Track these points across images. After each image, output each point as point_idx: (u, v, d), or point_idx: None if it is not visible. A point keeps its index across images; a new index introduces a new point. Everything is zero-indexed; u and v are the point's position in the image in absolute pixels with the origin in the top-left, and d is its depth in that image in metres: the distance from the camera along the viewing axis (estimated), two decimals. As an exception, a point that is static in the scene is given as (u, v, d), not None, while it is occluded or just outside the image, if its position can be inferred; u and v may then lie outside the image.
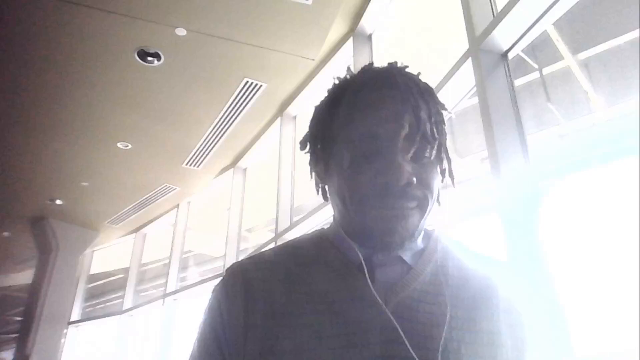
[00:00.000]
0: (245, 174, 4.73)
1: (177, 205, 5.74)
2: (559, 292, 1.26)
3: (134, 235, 6.68)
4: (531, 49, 2.54)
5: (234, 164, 4.71)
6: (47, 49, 3.13)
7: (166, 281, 5.34)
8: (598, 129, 2.33)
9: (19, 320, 6.89)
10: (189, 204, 5.72)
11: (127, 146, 4.35)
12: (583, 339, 1.36)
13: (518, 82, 2.20)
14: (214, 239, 5.75)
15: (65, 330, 6.57)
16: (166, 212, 5.97)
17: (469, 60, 1.79)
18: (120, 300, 6.50)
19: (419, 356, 0.60)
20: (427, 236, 0.76)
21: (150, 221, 6.30)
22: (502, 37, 1.68)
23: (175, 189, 5.27)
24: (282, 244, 0.79)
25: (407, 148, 0.66)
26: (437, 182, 0.70)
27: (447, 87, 1.96)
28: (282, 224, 3.62)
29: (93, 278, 7.84)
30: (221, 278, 0.74)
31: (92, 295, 8.11)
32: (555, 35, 2.45)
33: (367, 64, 0.77)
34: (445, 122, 0.74)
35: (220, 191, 5.17)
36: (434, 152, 0.69)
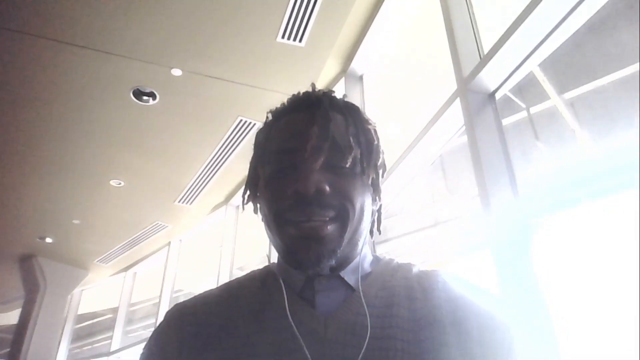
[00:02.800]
0: (237, 211, 4.71)
1: (169, 243, 5.68)
2: (553, 327, 1.25)
3: (123, 274, 6.57)
4: (518, 89, 2.61)
5: (226, 201, 4.70)
6: (42, 88, 3.16)
7: (156, 321, 5.22)
8: (586, 166, 2.37)
9: (2, 363, 6.67)
10: (181, 241, 5.67)
11: (120, 184, 4.34)
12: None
13: (506, 121, 2.25)
14: (205, 278, 5.66)
15: (50, 374, 6.35)
16: (157, 250, 5.90)
17: (458, 100, 1.83)
18: (109, 341, 6.31)
19: None
20: (376, 260, 0.75)
21: (141, 259, 6.21)
22: (489, 78, 1.72)
23: (167, 226, 5.23)
24: (230, 281, 0.78)
25: (316, 157, 0.65)
26: (359, 194, 0.67)
27: (436, 126, 1.99)
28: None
29: (81, 318, 7.65)
30: (158, 324, 0.73)
31: (79, 336, 7.89)
32: (541, 76, 2.53)
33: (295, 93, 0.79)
34: (374, 138, 0.74)
35: (213, 229, 5.14)
36: (349, 162, 0.66)
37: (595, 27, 2.09)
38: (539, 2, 1.42)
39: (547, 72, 2.50)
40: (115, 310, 6.49)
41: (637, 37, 2.10)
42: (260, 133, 0.77)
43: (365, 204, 0.69)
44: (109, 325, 6.54)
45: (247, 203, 0.76)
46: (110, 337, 6.23)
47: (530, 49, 1.57)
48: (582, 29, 1.46)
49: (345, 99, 0.78)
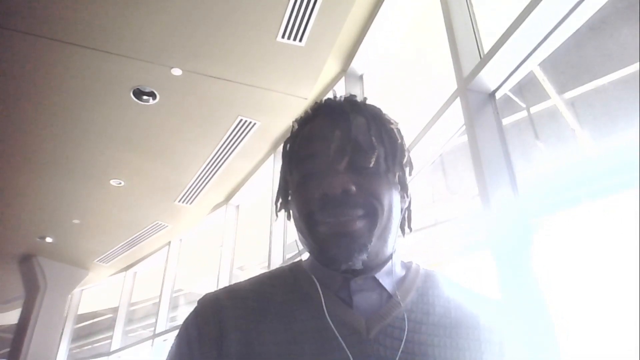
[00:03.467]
0: (238, 211, 4.71)
1: (169, 243, 5.68)
2: (554, 327, 1.25)
3: (123, 273, 6.57)
4: (518, 89, 2.61)
5: (226, 200, 4.70)
6: (43, 88, 3.17)
7: (156, 321, 5.22)
8: (586, 166, 2.37)
9: (2, 363, 6.67)
10: (181, 241, 5.67)
11: (120, 183, 4.34)
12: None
13: (506, 121, 2.25)
14: (205, 277, 5.66)
15: (50, 373, 6.35)
16: (157, 250, 5.90)
17: (458, 100, 1.83)
18: (109, 341, 6.32)
19: None
20: (406, 267, 0.77)
21: (141, 259, 6.21)
22: (489, 77, 1.72)
23: (167, 226, 5.23)
24: (258, 275, 0.78)
25: (340, 159, 0.67)
26: (386, 192, 0.69)
27: (436, 125, 1.99)
28: (275, 261, 3.59)
29: (81, 318, 7.65)
30: (193, 309, 0.73)
31: (80, 335, 7.90)
32: (541, 76, 2.53)
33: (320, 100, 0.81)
34: (398, 137, 0.75)
35: (213, 228, 5.14)
36: (374, 161, 0.68)
37: (595, 27, 2.09)
38: (539, 2, 1.42)
39: (547, 72, 2.50)
40: (115, 310, 6.49)
41: (637, 37, 2.10)
42: (286, 142, 0.79)
43: (393, 201, 0.70)
44: (109, 325, 6.55)
45: (280, 210, 0.79)
46: (110, 337, 6.23)
47: (530, 49, 1.56)
48: (582, 29, 1.46)
49: (367, 102, 0.79)
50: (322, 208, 0.66)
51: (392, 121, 0.77)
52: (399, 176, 0.72)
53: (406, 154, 0.76)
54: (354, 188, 0.66)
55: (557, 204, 1.72)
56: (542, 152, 2.63)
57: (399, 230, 0.76)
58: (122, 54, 2.87)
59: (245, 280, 0.77)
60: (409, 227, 0.78)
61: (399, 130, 0.77)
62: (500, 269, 1.41)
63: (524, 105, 2.70)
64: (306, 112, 0.79)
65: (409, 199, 0.77)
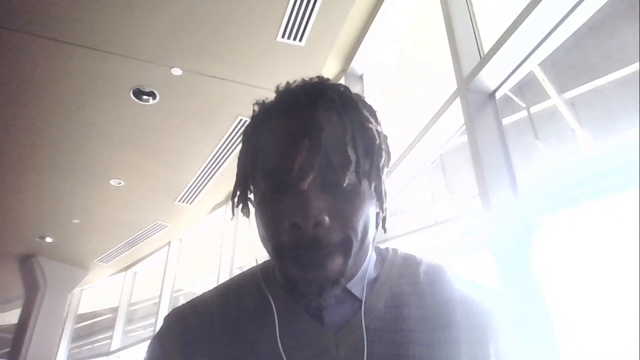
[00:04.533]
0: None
1: (169, 243, 5.68)
2: (554, 327, 1.25)
3: (123, 273, 6.57)
4: (518, 89, 2.61)
5: (226, 200, 4.70)
6: (43, 88, 3.16)
7: (156, 321, 5.22)
8: (586, 166, 2.38)
9: (2, 363, 6.67)
10: (181, 241, 5.67)
11: (120, 183, 4.34)
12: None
13: (506, 121, 2.25)
14: (205, 277, 5.66)
15: (50, 373, 6.35)
16: (157, 250, 5.90)
17: (458, 99, 1.83)
18: (109, 341, 6.32)
19: None
20: (381, 260, 0.71)
21: (141, 259, 6.21)
22: (489, 77, 1.72)
23: (167, 226, 5.23)
24: (225, 282, 0.74)
25: (306, 177, 0.57)
26: (361, 213, 0.60)
27: (436, 125, 1.99)
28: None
29: (81, 318, 7.65)
30: (158, 329, 0.70)
31: (80, 335, 7.90)
32: (541, 76, 2.53)
33: (286, 82, 0.70)
34: (376, 137, 0.64)
35: (213, 228, 5.13)
36: (348, 180, 0.59)
37: (595, 27, 2.09)
38: (539, 2, 1.42)
39: (547, 72, 2.50)
40: (115, 310, 6.49)
41: (637, 37, 2.10)
42: (248, 129, 0.69)
43: (369, 217, 0.62)
44: (109, 325, 6.55)
45: (237, 207, 0.70)
46: (110, 337, 6.23)
47: (530, 49, 1.56)
48: (582, 29, 1.46)
49: (342, 89, 0.68)
50: (292, 242, 0.58)
51: (370, 119, 0.65)
52: (374, 185, 0.63)
53: (384, 155, 0.66)
54: (327, 219, 0.57)
55: (557, 204, 1.72)
56: (542, 152, 2.63)
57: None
58: (122, 54, 2.87)
59: (213, 289, 0.73)
60: (384, 228, 0.69)
61: (377, 130, 0.65)
62: (500, 269, 1.41)
63: (524, 105, 2.70)
64: (271, 100, 0.69)
65: (385, 204, 0.67)
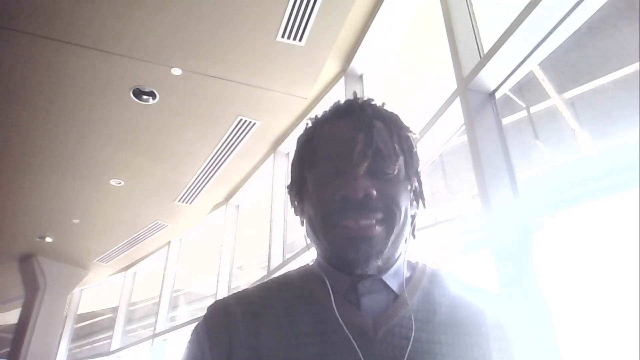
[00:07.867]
0: (237, 211, 4.71)
1: (169, 243, 5.68)
2: (554, 326, 1.25)
3: (123, 273, 6.58)
4: (518, 89, 2.61)
5: (226, 200, 4.70)
6: (43, 88, 3.17)
7: (155, 320, 5.22)
8: (586, 166, 2.38)
9: (2, 363, 6.66)
10: (181, 241, 5.67)
11: (120, 183, 4.34)
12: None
13: (506, 121, 2.25)
14: (205, 277, 5.66)
15: (50, 373, 6.35)
16: (157, 250, 5.91)
17: (458, 99, 1.83)
18: (108, 340, 6.32)
19: None
20: (412, 267, 0.77)
21: (141, 259, 6.21)
22: (489, 77, 1.72)
23: (166, 225, 5.23)
24: (267, 280, 0.79)
25: (362, 163, 0.68)
26: (404, 199, 0.70)
27: (436, 125, 1.99)
28: (275, 261, 3.59)
29: (81, 318, 7.65)
30: (203, 315, 0.73)
31: (79, 335, 7.90)
32: (541, 76, 2.53)
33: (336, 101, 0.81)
34: (414, 145, 0.76)
35: (212, 228, 5.14)
36: (397, 169, 0.70)
37: (595, 27, 2.09)
38: (539, 2, 1.42)
39: (547, 72, 2.50)
40: (115, 310, 6.49)
41: (637, 37, 2.10)
42: (302, 138, 0.79)
43: (408, 209, 0.71)
44: (109, 325, 6.55)
45: (294, 201, 0.79)
46: (110, 337, 6.24)
47: (530, 49, 1.56)
48: (582, 29, 1.46)
49: (385, 107, 0.79)
50: (341, 210, 0.67)
51: (410, 129, 0.78)
52: (415, 184, 0.74)
53: (420, 162, 0.77)
54: (375, 192, 0.66)
55: (557, 204, 1.72)
56: (542, 152, 2.63)
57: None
58: (122, 54, 2.87)
59: (254, 286, 0.78)
60: (413, 234, 0.78)
61: (414, 139, 0.78)
62: (500, 269, 1.41)
63: (523, 105, 2.70)
64: (324, 112, 0.79)
65: (417, 209, 0.77)
